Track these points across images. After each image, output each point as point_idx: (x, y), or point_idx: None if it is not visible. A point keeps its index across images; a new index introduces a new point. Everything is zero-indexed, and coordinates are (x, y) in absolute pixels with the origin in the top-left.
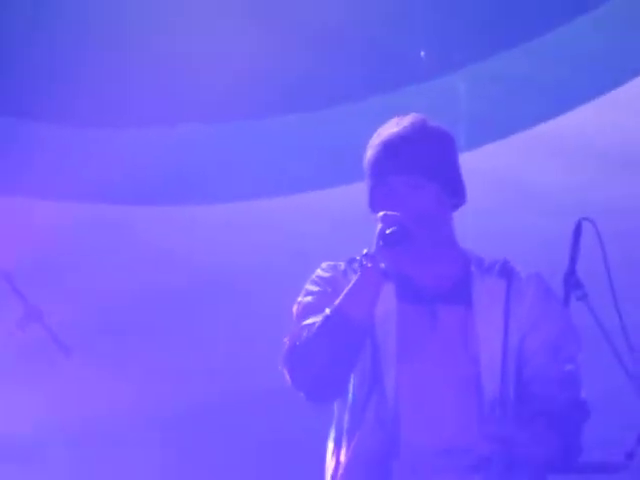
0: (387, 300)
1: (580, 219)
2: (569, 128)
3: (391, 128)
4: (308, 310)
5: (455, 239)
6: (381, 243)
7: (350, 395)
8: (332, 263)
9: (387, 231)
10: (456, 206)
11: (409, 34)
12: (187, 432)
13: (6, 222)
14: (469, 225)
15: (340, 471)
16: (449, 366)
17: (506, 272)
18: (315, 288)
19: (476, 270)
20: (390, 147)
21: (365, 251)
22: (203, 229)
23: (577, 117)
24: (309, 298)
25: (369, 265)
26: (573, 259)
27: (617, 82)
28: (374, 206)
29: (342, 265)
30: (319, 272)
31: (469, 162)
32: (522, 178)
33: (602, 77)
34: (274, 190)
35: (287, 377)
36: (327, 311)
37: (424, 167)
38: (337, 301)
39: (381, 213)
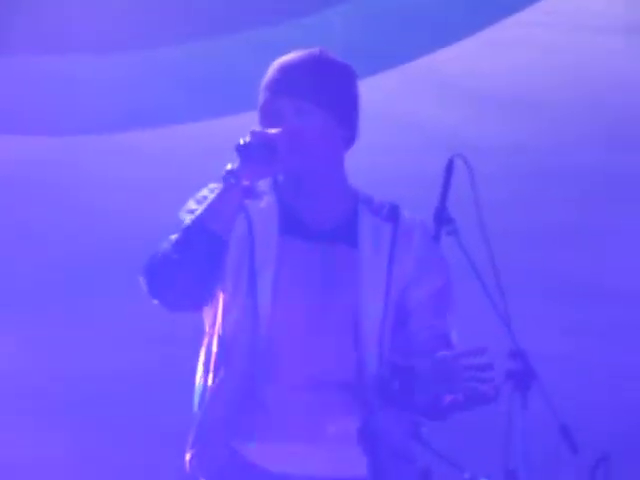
0: (269, 230)
1: (452, 155)
2: (444, 63)
3: (289, 56)
4: (180, 225)
5: (344, 175)
6: (236, 154)
7: (219, 319)
8: (219, 184)
9: (241, 141)
10: (348, 141)
11: None
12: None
13: None
14: None
15: (207, 398)
16: (328, 306)
17: (393, 216)
18: (194, 206)
19: (364, 209)
20: (283, 71)
21: (229, 166)
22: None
23: (452, 53)
24: (185, 214)
25: (232, 181)
26: (444, 195)
27: (494, 19)
28: (261, 127)
29: None
30: (203, 191)
31: None
32: (396, 113)
33: (480, 13)
34: (153, 121)
35: (143, 285)
36: (187, 222)
37: (313, 93)
38: (197, 212)
39: (251, 129)
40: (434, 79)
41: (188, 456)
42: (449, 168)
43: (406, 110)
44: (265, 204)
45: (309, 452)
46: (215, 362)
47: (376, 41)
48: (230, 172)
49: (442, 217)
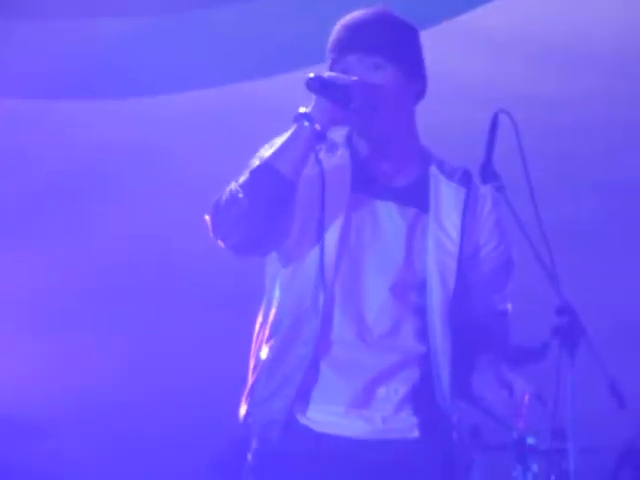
0: (341, 186)
1: (497, 111)
2: (493, 19)
3: (353, 14)
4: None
5: (416, 132)
6: (308, 88)
7: (282, 270)
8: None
9: (311, 75)
10: (418, 95)
11: None
12: None
13: None
14: None
15: (266, 354)
16: (393, 267)
17: (466, 181)
18: (265, 151)
19: (436, 172)
20: (350, 28)
21: (302, 109)
22: (136, 122)
23: (501, 8)
24: (255, 160)
25: (304, 123)
26: (489, 150)
27: None
28: None
29: None
30: (275, 139)
31: None
32: (446, 69)
33: None
34: (207, 81)
35: (209, 225)
36: (256, 163)
37: (383, 48)
38: (267, 154)
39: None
40: (479, 35)
41: (242, 411)
42: (494, 124)
43: (454, 67)
44: (339, 159)
45: (359, 414)
46: (274, 318)
47: None
48: (303, 114)
49: (488, 173)
